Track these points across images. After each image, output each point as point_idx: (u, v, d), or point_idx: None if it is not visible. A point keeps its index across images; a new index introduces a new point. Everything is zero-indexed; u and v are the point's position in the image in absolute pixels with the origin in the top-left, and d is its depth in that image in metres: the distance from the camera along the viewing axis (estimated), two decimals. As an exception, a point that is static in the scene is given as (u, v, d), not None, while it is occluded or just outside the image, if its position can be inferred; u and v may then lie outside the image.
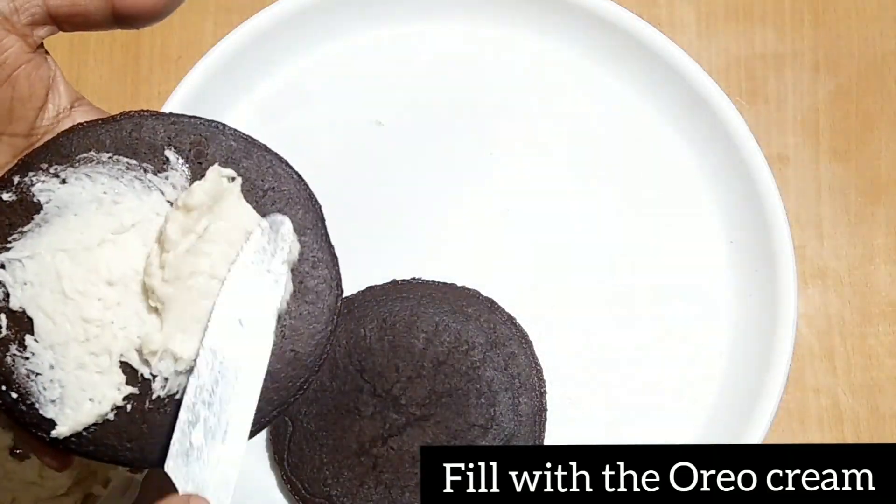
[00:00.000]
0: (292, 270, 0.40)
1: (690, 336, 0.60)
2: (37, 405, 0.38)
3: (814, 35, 0.67)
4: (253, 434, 0.38)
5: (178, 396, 0.38)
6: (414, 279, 0.59)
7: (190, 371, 0.37)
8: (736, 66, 0.66)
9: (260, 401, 0.38)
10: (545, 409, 0.58)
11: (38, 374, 0.38)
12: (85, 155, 0.39)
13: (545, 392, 0.58)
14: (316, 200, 0.42)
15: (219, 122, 0.41)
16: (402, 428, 0.56)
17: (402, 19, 0.64)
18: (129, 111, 0.40)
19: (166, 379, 0.38)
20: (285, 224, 0.39)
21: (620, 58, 0.63)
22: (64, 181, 0.39)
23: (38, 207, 0.38)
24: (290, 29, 0.62)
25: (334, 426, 0.56)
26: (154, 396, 0.38)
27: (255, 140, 0.41)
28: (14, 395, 0.38)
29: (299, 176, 0.42)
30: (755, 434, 0.56)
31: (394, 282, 0.59)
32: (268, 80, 0.63)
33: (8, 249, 0.38)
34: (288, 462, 0.56)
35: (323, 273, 0.41)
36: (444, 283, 0.59)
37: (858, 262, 0.63)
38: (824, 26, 0.67)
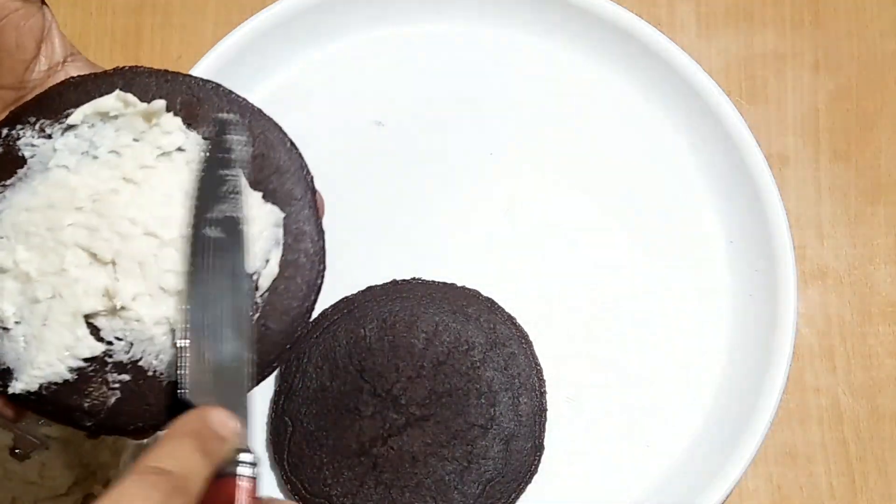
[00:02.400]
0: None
1: (690, 336, 0.60)
2: (1, 361, 0.37)
3: (814, 35, 0.67)
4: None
5: (140, 363, 0.37)
6: (414, 279, 0.59)
7: (151, 339, 0.37)
8: (736, 66, 0.66)
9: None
10: (545, 409, 0.57)
11: (5, 328, 0.37)
12: (72, 110, 0.38)
13: (545, 392, 0.58)
14: (308, 171, 0.41)
15: (214, 83, 0.40)
16: (402, 428, 0.56)
17: (403, 19, 0.64)
18: (122, 67, 0.40)
19: (131, 344, 0.37)
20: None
21: (620, 58, 0.63)
22: (49, 136, 0.38)
23: (21, 161, 0.38)
24: (290, 29, 0.62)
25: (334, 426, 0.56)
26: (117, 360, 0.37)
27: (249, 104, 0.40)
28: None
29: (293, 144, 0.41)
30: (755, 434, 0.56)
31: (394, 282, 0.59)
32: (268, 80, 0.63)
33: None
34: (288, 462, 0.56)
35: (305, 246, 0.40)
36: (444, 283, 0.59)
37: (858, 262, 0.63)
38: (824, 26, 0.67)
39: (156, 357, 0.37)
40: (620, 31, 0.62)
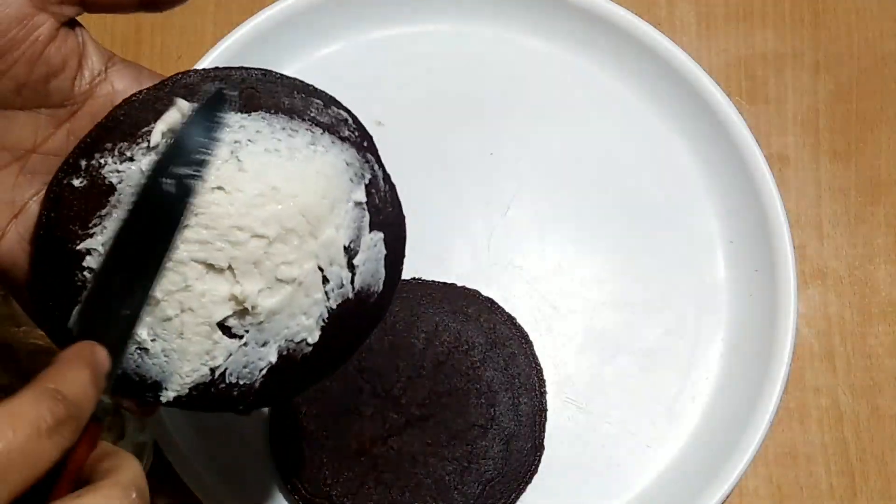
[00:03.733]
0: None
1: (690, 336, 0.60)
2: (146, 376, 0.39)
3: (814, 35, 0.67)
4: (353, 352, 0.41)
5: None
6: (414, 279, 0.59)
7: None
8: (736, 66, 0.66)
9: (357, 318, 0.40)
10: (545, 409, 0.58)
11: (144, 349, 0.38)
12: (147, 129, 0.39)
13: (545, 392, 0.58)
14: (365, 129, 0.43)
15: (266, 70, 0.41)
16: (402, 428, 0.56)
17: (403, 20, 0.64)
18: (176, 74, 0.40)
19: (260, 331, 0.39)
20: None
21: (620, 58, 0.63)
22: (131, 159, 0.38)
23: (111, 190, 0.38)
24: (290, 29, 0.62)
25: (334, 426, 0.56)
26: (251, 347, 0.39)
27: (302, 82, 0.42)
28: (119, 371, 0.38)
29: (347, 109, 0.43)
30: (755, 434, 0.56)
31: (394, 282, 0.59)
32: (268, 80, 0.63)
33: (91, 236, 0.38)
34: (288, 462, 0.56)
35: (387, 195, 0.42)
36: (444, 283, 0.59)
37: (858, 262, 0.63)
38: (824, 26, 0.67)
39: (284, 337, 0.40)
40: (620, 31, 0.62)
